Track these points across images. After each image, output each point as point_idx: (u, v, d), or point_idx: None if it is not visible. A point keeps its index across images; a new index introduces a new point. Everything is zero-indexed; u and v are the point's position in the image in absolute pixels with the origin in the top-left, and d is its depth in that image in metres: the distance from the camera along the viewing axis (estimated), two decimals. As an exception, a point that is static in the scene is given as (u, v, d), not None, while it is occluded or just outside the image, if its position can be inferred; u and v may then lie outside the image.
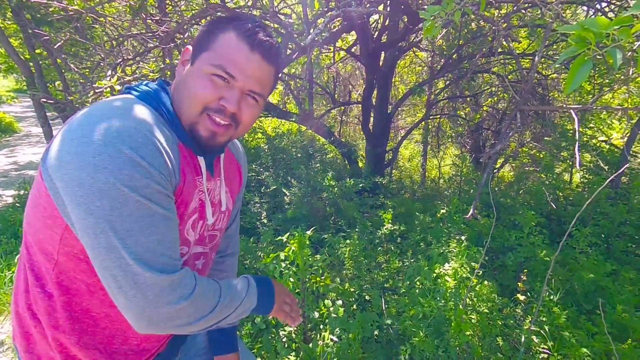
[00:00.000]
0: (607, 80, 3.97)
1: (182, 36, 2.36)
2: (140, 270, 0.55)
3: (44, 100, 2.14)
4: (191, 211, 0.70)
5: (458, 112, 5.74)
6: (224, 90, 0.65)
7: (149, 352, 0.75)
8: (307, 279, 2.04)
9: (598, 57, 0.81)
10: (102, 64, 2.37)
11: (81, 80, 2.12)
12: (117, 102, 0.61)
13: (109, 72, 1.73)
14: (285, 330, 1.91)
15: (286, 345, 1.85)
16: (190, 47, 0.70)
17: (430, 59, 5.52)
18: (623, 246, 2.76)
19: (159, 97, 0.68)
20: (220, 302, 0.67)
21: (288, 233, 2.20)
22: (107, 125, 0.56)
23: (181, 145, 0.67)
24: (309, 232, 2.16)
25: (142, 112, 0.61)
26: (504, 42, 3.20)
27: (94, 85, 1.56)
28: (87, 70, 2.91)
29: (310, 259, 2.09)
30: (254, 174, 3.75)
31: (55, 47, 2.04)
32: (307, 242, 2.06)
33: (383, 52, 4.06)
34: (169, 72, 1.91)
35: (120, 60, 1.93)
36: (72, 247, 0.61)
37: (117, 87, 1.55)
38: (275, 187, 3.52)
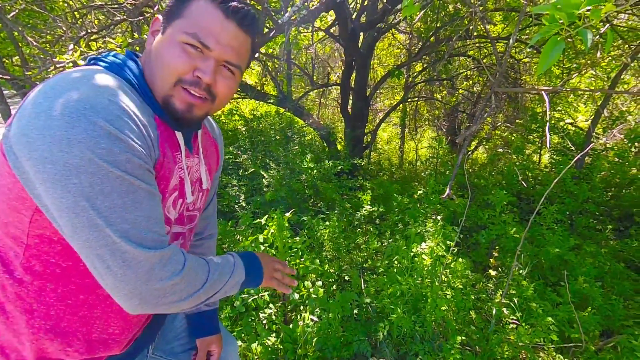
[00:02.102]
0: (574, 65, 4.11)
1: (151, 10, 2.22)
2: (128, 247, 0.53)
3: (0, 76, 1.98)
4: (172, 188, 0.67)
5: (435, 95, 5.81)
6: (198, 61, 0.62)
7: (127, 338, 0.73)
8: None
9: (568, 39, 0.83)
10: (63, 37, 2.20)
11: (41, 55, 1.97)
12: (85, 73, 0.56)
13: (71, 46, 1.61)
14: (265, 313, 1.92)
15: (266, 327, 1.86)
16: (160, 17, 0.66)
17: (408, 41, 5.51)
18: (585, 222, 2.94)
19: (129, 68, 0.64)
20: (210, 277, 0.66)
21: (267, 215, 2.18)
22: (77, 96, 0.51)
23: (157, 119, 0.64)
24: (288, 215, 2.15)
25: (113, 83, 0.57)
26: (480, 26, 3.24)
27: (54, 59, 1.45)
28: (48, 44, 2.70)
29: (289, 241, 2.09)
30: (231, 156, 3.67)
31: (9, 17, 1.88)
32: (286, 225, 2.06)
33: (362, 33, 4.01)
34: (137, 48, 1.81)
35: (83, 33, 1.80)
36: (44, 229, 0.57)
37: (81, 62, 1.45)
38: (253, 169, 3.47)
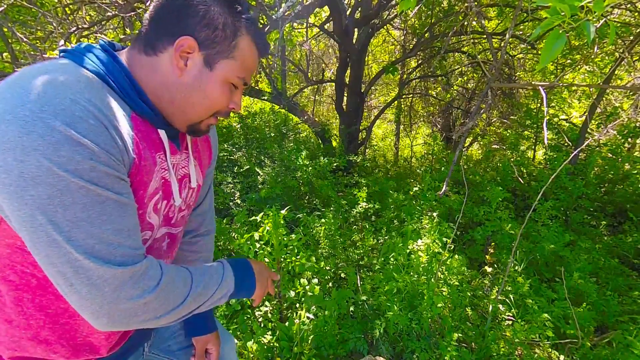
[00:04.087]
0: (568, 61, 4.13)
1: (143, 5, 2.18)
2: (92, 264, 0.49)
3: (-12, 73, 1.94)
4: (152, 192, 0.62)
5: (430, 91, 5.82)
6: (234, 94, 0.67)
7: (114, 341, 0.71)
8: (282, 259, 2.04)
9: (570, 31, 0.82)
10: (54, 33, 2.16)
11: (31, 52, 1.93)
12: (48, 67, 0.51)
13: (62, 42, 1.57)
14: (261, 310, 1.91)
15: (262, 325, 1.85)
16: (192, 40, 0.59)
17: (402, 37, 5.49)
18: (580, 218, 2.96)
19: (103, 61, 0.57)
20: (191, 292, 0.62)
21: (262, 213, 2.16)
22: (34, 96, 0.46)
23: (135, 117, 0.58)
24: (283, 212, 2.13)
25: (81, 79, 0.51)
26: (474, 22, 3.23)
27: (45, 56, 1.42)
28: (38, 40, 2.65)
29: (285, 238, 2.07)
30: (226, 153, 3.64)
31: (-3, 13, 1.84)
32: (282, 222, 2.04)
33: (356, 30, 3.99)
34: (130, 43, 1.78)
35: (74, 29, 1.75)
36: (14, 238, 0.53)
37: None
38: (248, 166, 3.45)
